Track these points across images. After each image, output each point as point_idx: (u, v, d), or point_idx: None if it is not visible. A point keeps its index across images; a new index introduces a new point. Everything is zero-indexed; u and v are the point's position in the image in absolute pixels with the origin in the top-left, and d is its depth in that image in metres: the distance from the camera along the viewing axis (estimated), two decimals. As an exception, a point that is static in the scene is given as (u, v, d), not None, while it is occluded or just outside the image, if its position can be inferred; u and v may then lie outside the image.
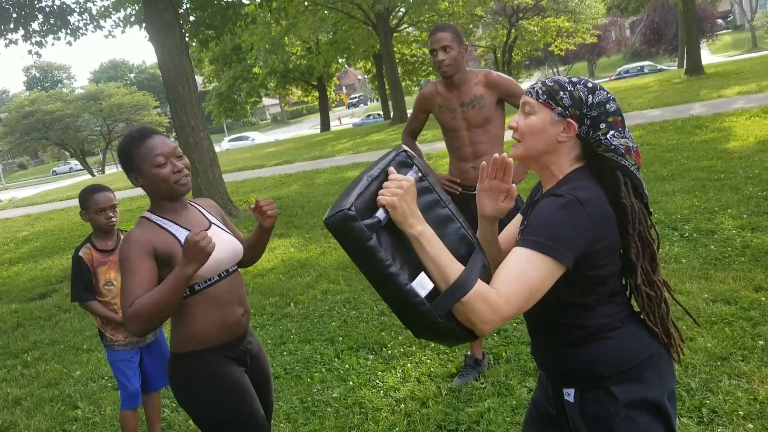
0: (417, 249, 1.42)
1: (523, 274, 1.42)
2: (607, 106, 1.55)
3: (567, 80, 1.59)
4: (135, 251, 1.97)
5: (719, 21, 49.62)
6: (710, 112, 12.51)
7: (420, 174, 1.56)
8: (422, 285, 1.40)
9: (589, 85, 1.57)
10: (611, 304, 1.59)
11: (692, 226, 5.49)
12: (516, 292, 1.41)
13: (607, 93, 1.57)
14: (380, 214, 1.41)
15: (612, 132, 1.55)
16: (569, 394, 1.63)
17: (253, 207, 2.24)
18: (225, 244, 2.15)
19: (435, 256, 1.41)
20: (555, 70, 45.16)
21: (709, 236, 5.18)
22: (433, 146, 14.50)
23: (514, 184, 1.67)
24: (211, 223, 2.22)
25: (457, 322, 1.43)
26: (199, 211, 2.25)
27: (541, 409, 1.81)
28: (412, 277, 1.40)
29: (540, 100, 1.57)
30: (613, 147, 1.56)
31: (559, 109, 1.55)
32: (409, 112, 26.91)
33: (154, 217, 2.11)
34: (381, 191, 1.43)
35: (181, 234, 2.08)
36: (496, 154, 1.65)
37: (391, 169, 1.51)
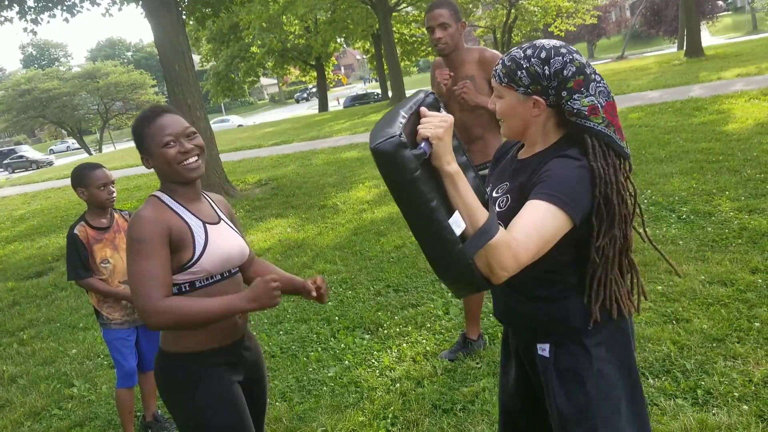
0: (450, 188, 1.43)
1: (540, 224, 1.47)
2: (564, 72, 1.54)
3: (521, 55, 1.58)
4: (152, 232, 1.81)
5: (719, 2, 49.23)
6: (709, 94, 12.46)
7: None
8: (457, 224, 1.40)
9: (543, 55, 1.56)
10: (591, 261, 1.62)
11: (690, 207, 5.48)
12: (533, 241, 1.46)
13: (563, 57, 1.55)
14: (424, 146, 1.39)
15: (574, 95, 1.55)
16: (543, 349, 1.70)
17: (312, 282, 2.06)
18: (234, 243, 2.03)
19: (465, 198, 1.43)
20: (554, 51, 44.91)
21: (706, 218, 5.17)
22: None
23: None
24: (220, 218, 2.07)
25: (476, 268, 1.46)
26: (210, 204, 2.10)
27: (505, 376, 1.91)
28: (448, 217, 1.39)
29: (503, 84, 1.61)
30: (575, 111, 1.56)
31: (522, 89, 1.58)
32: (408, 92, 26.69)
33: (166, 198, 1.96)
34: (422, 125, 1.44)
35: (194, 222, 1.93)
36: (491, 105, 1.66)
37: (424, 108, 1.51)
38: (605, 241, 1.59)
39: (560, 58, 1.55)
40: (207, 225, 1.96)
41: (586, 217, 1.54)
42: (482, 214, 1.44)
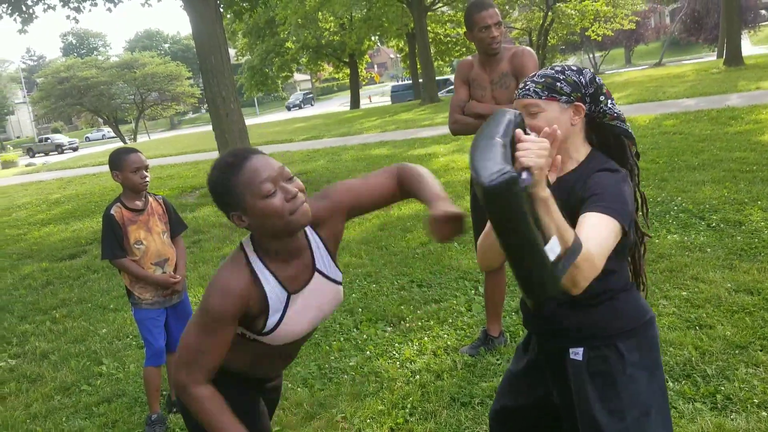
0: (543, 212, 1.41)
1: (606, 236, 1.55)
2: (597, 80, 1.72)
3: (553, 71, 1.72)
4: (227, 312, 1.61)
5: (762, 12, 48.26)
6: (747, 103, 12.25)
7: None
8: (553, 250, 1.39)
9: (574, 68, 1.72)
10: (626, 267, 1.77)
11: (720, 216, 5.43)
12: (602, 253, 1.53)
13: (590, 71, 1.73)
14: (526, 176, 1.36)
15: (609, 101, 1.72)
16: (576, 353, 1.74)
17: None
18: (313, 316, 1.79)
19: (558, 220, 1.44)
20: (591, 55, 44.37)
21: (736, 227, 5.12)
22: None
23: (558, 156, 1.70)
24: (315, 270, 1.79)
25: None
26: (309, 245, 1.79)
27: (515, 379, 1.98)
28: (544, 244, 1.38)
29: (543, 97, 1.68)
30: (616, 114, 1.73)
31: (564, 97, 1.69)
32: (441, 93, 26.55)
33: (256, 264, 1.68)
34: (523, 153, 1.40)
35: (274, 294, 1.70)
36: (547, 128, 1.64)
37: (519, 131, 1.46)
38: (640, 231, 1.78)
39: (588, 71, 1.72)
40: (291, 297, 1.73)
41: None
42: (571, 233, 1.46)
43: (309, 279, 1.78)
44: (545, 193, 1.42)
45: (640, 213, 1.86)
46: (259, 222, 1.61)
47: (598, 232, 1.54)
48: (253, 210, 1.58)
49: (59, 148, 45.29)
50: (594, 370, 1.71)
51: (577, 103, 1.69)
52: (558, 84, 1.68)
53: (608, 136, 1.76)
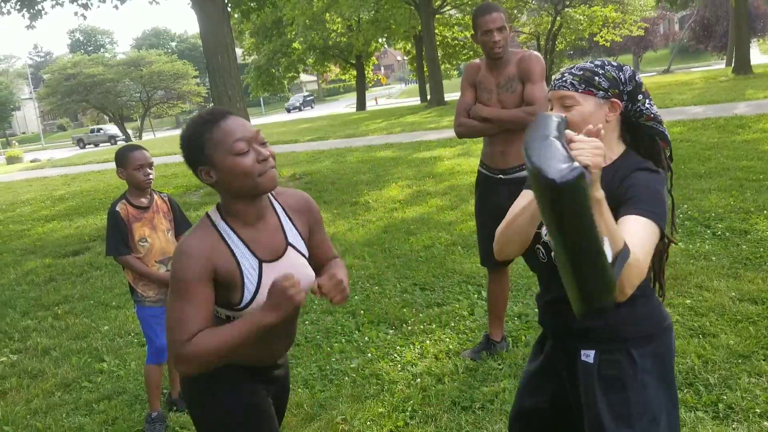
0: (597, 213, 1.38)
1: (650, 242, 1.53)
2: (637, 78, 1.66)
3: (593, 65, 1.67)
4: (193, 272, 1.60)
5: (772, 20, 48.12)
6: (755, 112, 12.22)
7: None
8: (607, 252, 1.38)
9: (615, 63, 1.67)
10: (647, 272, 1.71)
11: (726, 224, 5.40)
12: (646, 258, 1.52)
13: (630, 67, 1.68)
14: (586, 175, 1.34)
15: (647, 101, 1.67)
16: (588, 355, 1.72)
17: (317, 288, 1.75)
18: (299, 277, 1.75)
19: (609, 223, 1.43)
20: (598, 61, 44.40)
21: (742, 236, 5.10)
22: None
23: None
24: (288, 244, 1.79)
25: None
26: (278, 216, 1.81)
27: (531, 379, 1.95)
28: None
29: (580, 90, 1.64)
30: (653, 115, 1.68)
31: (601, 92, 1.64)
32: (447, 96, 26.49)
33: (221, 225, 1.70)
34: (578, 152, 1.39)
35: (246, 262, 1.70)
36: (591, 126, 1.60)
37: (569, 131, 1.46)
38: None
39: (628, 68, 1.67)
40: (263, 264, 1.72)
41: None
42: (621, 237, 1.44)
43: (282, 253, 1.77)
44: (600, 194, 1.41)
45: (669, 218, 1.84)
46: (226, 179, 1.63)
47: (641, 237, 1.51)
48: (223, 166, 1.61)
49: (112, 139, 45.79)
50: (604, 374, 1.69)
51: (614, 99, 1.65)
52: (596, 78, 1.64)
53: (643, 137, 1.72)
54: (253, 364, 1.86)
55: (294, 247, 1.81)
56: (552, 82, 1.72)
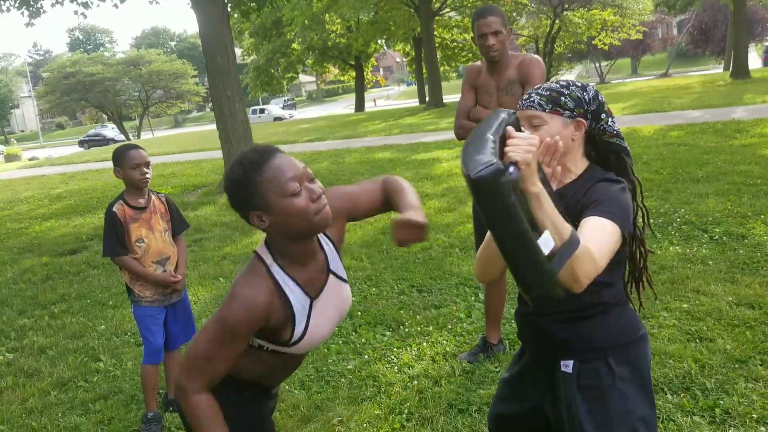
0: (536, 207, 1.45)
1: (607, 238, 1.57)
2: (599, 98, 1.74)
3: (558, 86, 1.73)
4: (246, 326, 1.57)
5: (770, 25, 48.19)
6: (752, 116, 12.24)
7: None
8: (546, 243, 1.43)
9: (579, 84, 1.74)
10: (620, 281, 1.78)
11: (723, 229, 5.41)
12: (603, 253, 1.55)
13: (593, 87, 1.75)
14: (513, 170, 1.40)
15: (610, 119, 1.75)
16: (567, 365, 1.76)
17: None
18: (334, 317, 1.78)
19: (551, 214, 1.47)
20: (597, 64, 44.33)
21: (739, 240, 5.11)
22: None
23: (558, 167, 1.70)
24: (329, 271, 1.77)
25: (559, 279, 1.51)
26: (324, 251, 1.78)
27: (508, 386, 2.00)
28: (537, 237, 1.42)
29: (547, 110, 1.70)
30: (615, 132, 1.76)
31: (567, 112, 1.70)
32: (446, 98, 26.47)
33: (276, 271, 1.64)
34: (511, 148, 1.44)
35: (298, 303, 1.67)
36: (548, 139, 1.65)
37: (510, 128, 1.51)
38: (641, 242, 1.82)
39: (591, 87, 1.74)
40: (313, 302, 1.71)
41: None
42: (567, 228, 1.48)
43: (325, 281, 1.76)
44: (536, 188, 1.45)
45: (642, 226, 1.87)
46: (281, 222, 1.56)
47: (597, 234, 1.56)
48: (277, 209, 1.54)
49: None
50: (584, 384, 1.73)
51: (579, 118, 1.71)
52: (563, 98, 1.70)
53: (608, 153, 1.78)
54: (261, 385, 1.88)
55: (334, 273, 1.79)
56: (520, 102, 1.76)
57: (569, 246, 1.45)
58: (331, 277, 1.78)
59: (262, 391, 1.92)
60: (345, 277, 1.84)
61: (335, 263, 1.81)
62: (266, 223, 1.58)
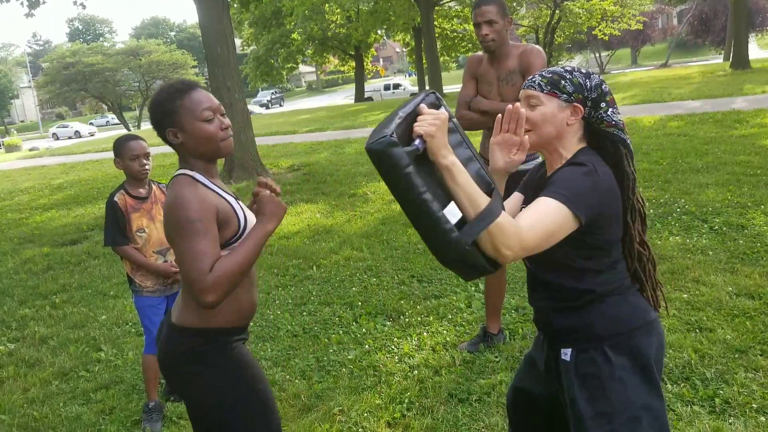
0: (447, 179, 1.53)
1: (544, 215, 1.59)
2: (603, 87, 1.73)
3: (563, 69, 1.74)
4: (204, 212, 1.74)
5: (771, 15, 47.99)
6: (752, 107, 12.22)
7: (448, 113, 1.65)
8: (452, 213, 1.50)
9: (583, 71, 1.74)
10: (614, 270, 1.76)
11: (723, 219, 5.41)
12: (536, 228, 1.56)
13: (599, 76, 1.75)
14: (418, 143, 1.50)
15: (611, 109, 1.74)
16: (566, 353, 1.78)
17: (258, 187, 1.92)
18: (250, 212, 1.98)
19: (464, 186, 1.52)
20: (597, 54, 44.14)
21: (739, 231, 5.11)
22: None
23: (526, 136, 1.74)
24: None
25: (481, 252, 1.55)
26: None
27: (534, 366, 1.99)
28: (443, 208, 1.50)
29: (545, 92, 1.72)
30: (614, 123, 1.74)
31: (565, 96, 1.72)
32: (446, 88, 26.36)
33: (200, 178, 1.85)
34: (418, 123, 1.53)
35: (230, 198, 1.89)
36: (509, 105, 1.73)
37: (423, 106, 1.59)
38: (642, 237, 1.80)
39: (596, 76, 1.74)
40: (238, 200, 1.94)
41: (595, 220, 1.64)
42: (483, 200, 1.53)
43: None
44: (446, 161, 1.52)
45: (634, 220, 1.82)
46: (192, 141, 1.84)
47: (535, 211, 1.59)
48: (191, 130, 1.83)
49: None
50: (582, 372, 1.73)
51: (576, 104, 1.71)
52: (563, 82, 1.71)
53: (606, 143, 1.76)
54: (243, 323, 1.95)
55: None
56: (524, 82, 1.79)
57: (484, 217, 1.50)
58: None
59: (244, 333, 1.99)
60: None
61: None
62: (179, 140, 1.85)
